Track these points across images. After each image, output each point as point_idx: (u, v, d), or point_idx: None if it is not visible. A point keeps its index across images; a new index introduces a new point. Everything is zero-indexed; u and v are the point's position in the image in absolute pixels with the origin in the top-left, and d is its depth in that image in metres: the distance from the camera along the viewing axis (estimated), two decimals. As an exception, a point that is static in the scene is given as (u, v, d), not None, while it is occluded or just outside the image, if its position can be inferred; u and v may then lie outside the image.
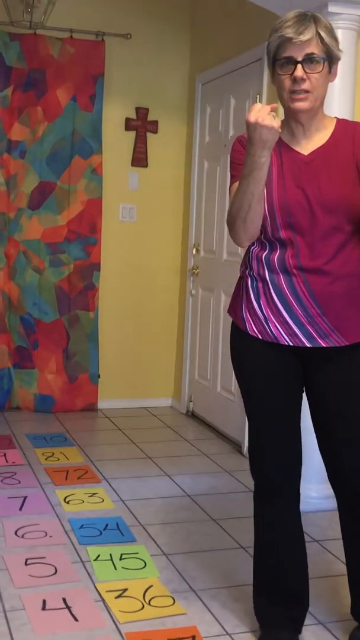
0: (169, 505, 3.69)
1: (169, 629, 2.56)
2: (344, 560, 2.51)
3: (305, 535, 2.55)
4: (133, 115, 5.34)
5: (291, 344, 2.28)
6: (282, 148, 2.27)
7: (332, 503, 2.66)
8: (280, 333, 2.28)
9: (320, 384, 2.34)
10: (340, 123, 2.32)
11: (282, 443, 2.37)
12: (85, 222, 5.19)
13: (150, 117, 5.37)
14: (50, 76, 5.04)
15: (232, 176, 2.34)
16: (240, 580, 2.91)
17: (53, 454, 4.36)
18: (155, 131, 5.38)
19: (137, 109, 5.34)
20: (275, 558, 2.42)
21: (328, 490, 3.48)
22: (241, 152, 2.28)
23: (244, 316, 2.34)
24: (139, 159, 5.37)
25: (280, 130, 2.11)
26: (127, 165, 5.36)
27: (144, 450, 4.54)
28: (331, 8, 3.37)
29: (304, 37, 2.13)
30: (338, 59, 2.24)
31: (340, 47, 2.28)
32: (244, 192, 2.18)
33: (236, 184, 2.26)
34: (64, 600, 2.72)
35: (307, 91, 2.18)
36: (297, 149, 2.27)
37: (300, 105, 2.19)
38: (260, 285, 2.31)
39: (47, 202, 5.13)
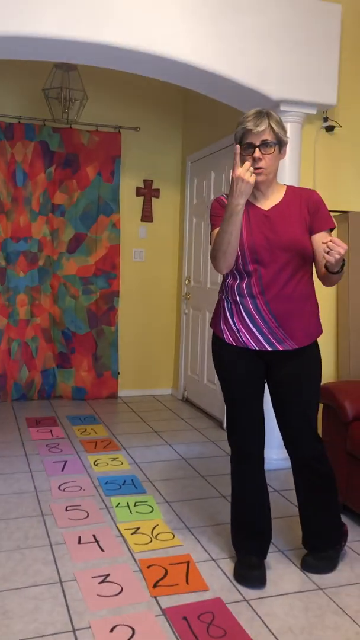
0: (169, 466, 3.66)
1: (170, 556, 2.54)
2: (297, 504, 2.50)
3: (268, 486, 2.53)
4: (141, 185, 5.34)
5: (257, 348, 2.27)
6: (249, 206, 2.27)
7: (288, 463, 2.65)
8: (249, 340, 2.28)
9: (278, 376, 2.33)
10: (290, 189, 2.32)
11: (250, 420, 2.35)
12: (108, 262, 5.19)
13: (154, 186, 5.37)
14: (82, 158, 5.04)
15: (212, 225, 2.33)
16: (221, 520, 2.88)
17: (86, 429, 4.34)
18: (157, 196, 5.39)
19: (145, 181, 5.34)
20: (246, 504, 2.40)
21: (285, 454, 3.48)
22: (218, 208, 2.29)
23: (222, 329, 2.33)
24: (146, 216, 5.37)
25: (253, 185, 2.10)
26: (137, 221, 5.36)
27: (151, 426, 4.51)
28: (282, 107, 3.38)
29: (260, 128, 2.14)
30: (286, 143, 2.24)
31: (288, 134, 2.28)
32: (225, 232, 2.16)
33: (216, 230, 2.26)
34: (94, 536, 2.69)
35: (262, 168, 2.18)
36: (259, 205, 2.27)
37: (258, 178, 2.19)
38: (233, 306, 2.30)
39: (80, 248, 5.12)
